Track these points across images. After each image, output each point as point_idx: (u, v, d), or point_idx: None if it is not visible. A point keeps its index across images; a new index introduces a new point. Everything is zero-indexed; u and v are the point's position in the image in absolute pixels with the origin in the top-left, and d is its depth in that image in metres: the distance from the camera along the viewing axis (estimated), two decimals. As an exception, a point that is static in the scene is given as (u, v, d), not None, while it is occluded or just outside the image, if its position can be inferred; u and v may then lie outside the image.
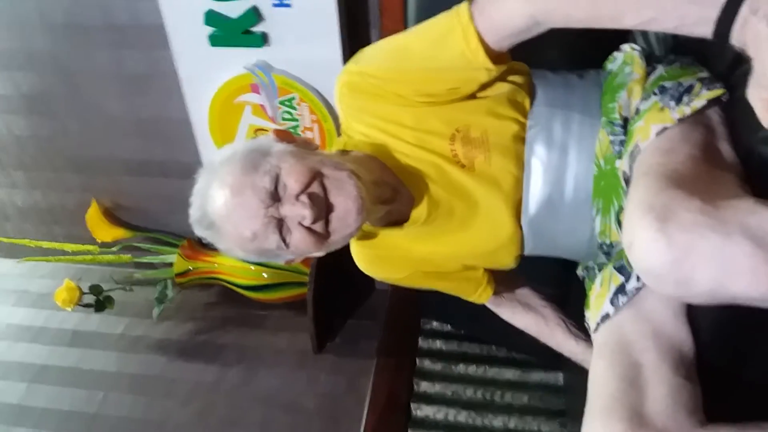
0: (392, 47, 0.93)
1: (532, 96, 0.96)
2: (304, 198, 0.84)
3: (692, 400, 0.74)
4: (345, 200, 0.86)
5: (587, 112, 0.93)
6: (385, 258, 1.07)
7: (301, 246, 0.87)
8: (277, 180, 0.85)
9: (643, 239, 0.61)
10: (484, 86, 0.92)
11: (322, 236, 0.87)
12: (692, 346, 0.81)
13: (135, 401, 1.72)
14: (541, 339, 1.21)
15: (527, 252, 1.02)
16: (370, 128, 0.96)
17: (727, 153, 0.77)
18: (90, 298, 1.84)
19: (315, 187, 0.85)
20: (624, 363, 0.79)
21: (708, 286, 0.60)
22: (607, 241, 0.93)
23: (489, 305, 1.21)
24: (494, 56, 0.84)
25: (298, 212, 0.84)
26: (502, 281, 1.18)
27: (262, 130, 1.64)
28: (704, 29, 0.63)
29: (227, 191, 0.86)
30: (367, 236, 1.04)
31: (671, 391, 0.74)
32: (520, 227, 0.98)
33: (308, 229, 0.86)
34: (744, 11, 0.60)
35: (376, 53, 0.94)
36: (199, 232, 0.93)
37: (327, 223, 0.87)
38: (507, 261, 1.04)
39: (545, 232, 0.98)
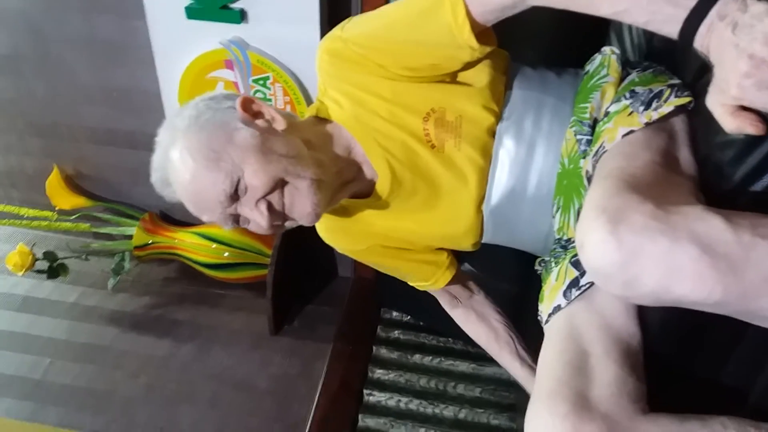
0: (378, 16, 0.93)
1: (508, 89, 0.98)
2: (263, 207, 0.88)
3: (636, 390, 0.77)
4: (302, 210, 0.90)
5: (558, 111, 0.96)
6: (346, 229, 1.09)
7: (258, 232, 0.93)
8: (237, 182, 0.87)
9: (593, 240, 0.64)
10: (467, 68, 0.93)
11: (278, 228, 0.92)
12: (640, 341, 0.83)
13: (82, 370, 1.69)
14: (489, 353, 1.24)
15: (486, 240, 1.05)
16: (345, 97, 0.96)
17: (686, 160, 0.80)
18: (43, 265, 1.80)
19: (275, 197, 0.89)
20: (572, 350, 0.82)
21: (653, 287, 0.62)
22: (565, 237, 0.96)
23: (445, 305, 1.23)
24: (479, 33, 0.85)
25: (256, 218, 0.89)
26: (462, 285, 1.20)
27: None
28: (671, 28, 0.65)
29: (187, 177, 0.88)
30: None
31: (616, 379, 0.77)
32: (481, 216, 1.00)
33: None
34: (712, 15, 0.61)
35: (362, 21, 0.94)
36: (161, 191, 0.96)
37: (283, 220, 0.92)
38: (466, 245, 1.07)
39: (505, 222, 1.00)
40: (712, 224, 0.61)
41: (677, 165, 0.78)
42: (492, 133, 0.96)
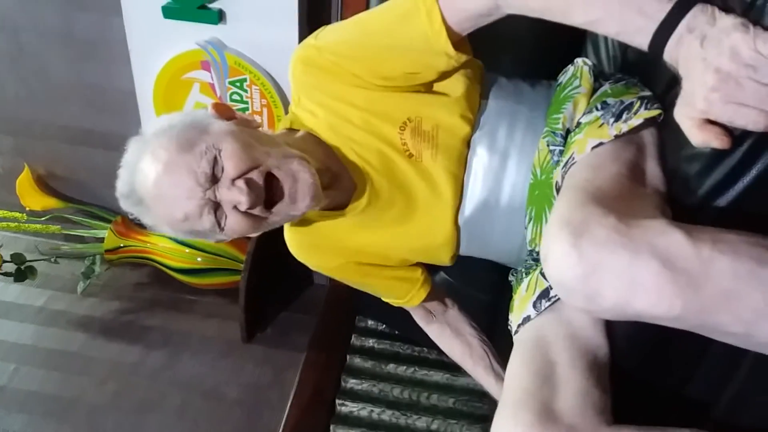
0: (353, 24, 0.92)
1: (483, 99, 0.97)
2: (240, 183, 0.82)
3: (601, 402, 0.76)
4: (301, 186, 0.84)
5: (532, 122, 0.95)
6: (319, 246, 1.06)
7: (237, 229, 0.86)
8: (215, 162, 0.82)
9: (556, 252, 0.64)
10: (442, 77, 0.92)
11: (260, 219, 0.86)
12: (607, 352, 0.83)
13: (48, 377, 1.64)
14: (463, 368, 1.22)
15: (460, 252, 1.04)
16: (319, 107, 0.95)
17: (653, 173, 0.80)
18: (10, 267, 1.75)
19: (254, 174, 0.83)
20: (539, 361, 0.81)
21: (614, 301, 0.62)
22: (537, 248, 0.95)
23: (419, 320, 1.21)
24: (455, 41, 0.84)
25: (234, 197, 0.82)
26: (436, 299, 1.19)
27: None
28: (642, 39, 0.65)
29: (160, 168, 0.83)
30: (301, 222, 1.02)
31: (582, 390, 0.76)
32: (457, 228, 0.99)
33: (245, 213, 0.84)
34: (681, 28, 0.62)
35: (336, 29, 0.94)
36: (125, 206, 0.91)
37: (271, 206, 0.85)
38: (443, 259, 1.05)
39: (479, 234, 0.99)
40: (672, 238, 0.60)
41: (644, 178, 0.78)
42: (468, 143, 0.95)
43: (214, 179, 0.83)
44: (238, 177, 0.82)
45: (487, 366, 1.17)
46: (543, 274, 0.91)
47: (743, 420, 0.76)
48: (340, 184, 0.95)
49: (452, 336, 1.20)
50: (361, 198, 0.96)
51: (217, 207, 0.84)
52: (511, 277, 1.09)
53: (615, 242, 0.61)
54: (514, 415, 0.73)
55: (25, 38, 1.67)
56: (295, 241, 1.07)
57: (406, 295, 1.12)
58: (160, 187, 0.84)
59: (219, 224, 0.85)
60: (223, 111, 0.92)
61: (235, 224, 0.85)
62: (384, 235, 1.01)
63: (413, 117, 0.93)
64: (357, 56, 0.90)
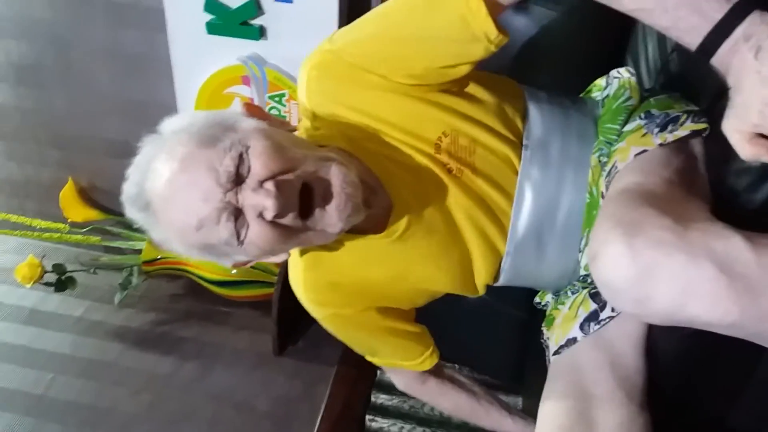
0: (373, 18, 0.81)
1: (525, 115, 0.89)
2: (269, 185, 0.68)
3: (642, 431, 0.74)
4: (342, 194, 0.72)
5: (584, 136, 0.89)
6: (338, 285, 0.91)
7: (259, 243, 0.72)
8: (240, 160, 0.69)
9: (608, 252, 0.61)
10: (474, 79, 0.84)
11: (289, 233, 0.72)
12: (646, 378, 0.80)
13: (84, 386, 1.67)
14: (474, 419, 1.14)
15: (503, 282, 0.95)
16: (340, 119, 0.83)
17: (701, 182, 0.77)
18: (52, 277, 1.79)
19: (289, 176, 0.71)
20: (576, 394, 0.78)
21: (667, 305, 0.59)
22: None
23: (411, 382, 1.11)
24: (494, 18, 0.73)
25: (260, 202, 0.68)
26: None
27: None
28: (692, 39, 0.61)
29: (175, 166, 0.70)
30: (322, 256, 0.89)
31: (623, 422, 0.74)
32: (500, 255, 0.90)
33: (271, 223, 0.70)
34: (737, 34, 0.58)
35: (354, 29, 0.82)
36: (130, 213, 0.76)
37: (307, 216, 0.72)
38: (479, 289, 0.96)
39: (528, 261, 0.91)
40: (731, 243, 0.58)
41: (695, 184, 0.75)
42: (509, 161, 0.87)
43: (238, 180, 0.70)
44: (268, 179, 0.69)
45: (499, 408, 1.10)
46: (591, 295, 0.86)
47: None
48: (377, 199, 0.82)
49: (454, 389, 1.10)
50: (401, 220, 0.83)
51: (238, 214, 0.70)
52: (542, 300, 1.04)
53: (671, 244, 0.58)
54: None
55: (74, 54, 1.73)
56: (309, 281, 0.91)
57: (419, 356, 1.01)
58: (174, 187, 0.70)
59: (238, 235, 0.71)
60: (255, 112, 0.80)
61: (257, 236, 0.71)
62: (424, 264, 0.89)
63: (449, 131, 0.84)
64: (381, 55, 0.79)
